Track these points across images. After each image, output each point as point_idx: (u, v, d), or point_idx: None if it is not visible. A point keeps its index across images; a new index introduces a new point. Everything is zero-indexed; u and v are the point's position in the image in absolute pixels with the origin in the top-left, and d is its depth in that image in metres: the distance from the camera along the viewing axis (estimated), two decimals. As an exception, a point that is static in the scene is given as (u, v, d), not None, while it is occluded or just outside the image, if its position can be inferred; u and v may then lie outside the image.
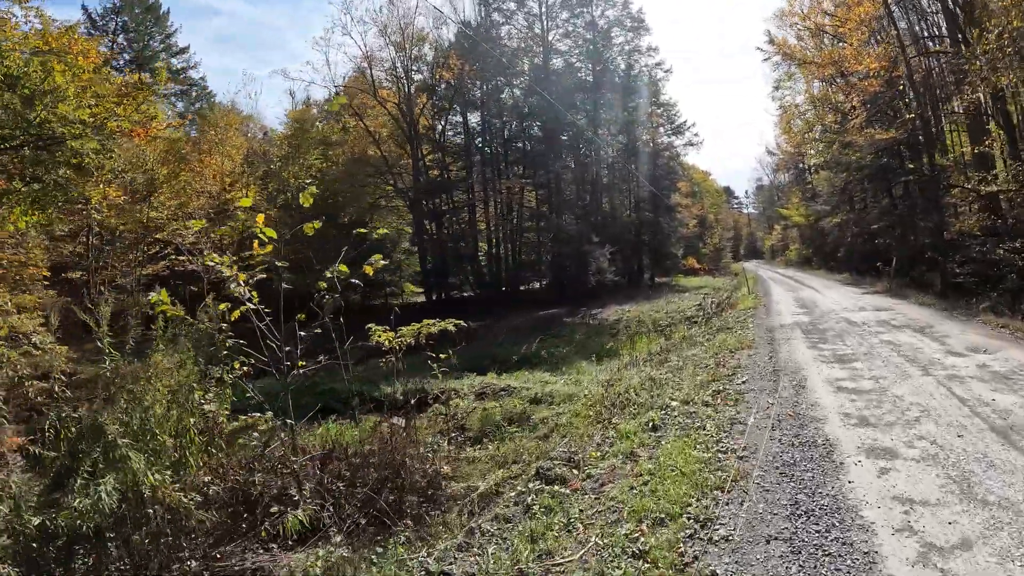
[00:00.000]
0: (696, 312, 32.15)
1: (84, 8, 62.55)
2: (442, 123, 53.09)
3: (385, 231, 50.55)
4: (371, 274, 8.31)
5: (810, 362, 13.50)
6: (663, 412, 10.26)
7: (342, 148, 51.35)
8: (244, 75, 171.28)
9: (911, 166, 33.94)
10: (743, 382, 12.09)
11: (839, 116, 42.80)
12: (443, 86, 51.82)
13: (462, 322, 10.29)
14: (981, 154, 27.76)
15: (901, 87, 33.03)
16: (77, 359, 18.48)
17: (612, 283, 49.01)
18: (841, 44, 36.44)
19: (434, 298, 50.65)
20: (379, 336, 9.54)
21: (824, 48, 40.22)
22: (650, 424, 9.64)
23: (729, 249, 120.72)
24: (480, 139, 54.73)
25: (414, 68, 50.42)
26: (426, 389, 15.32)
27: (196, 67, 66.05)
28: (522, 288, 52.57)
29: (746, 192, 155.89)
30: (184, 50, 65.31)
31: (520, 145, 54.49)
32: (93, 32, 51.05)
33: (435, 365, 10.44)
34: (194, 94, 65.40)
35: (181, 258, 33.56)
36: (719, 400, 10.78)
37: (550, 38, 52.59)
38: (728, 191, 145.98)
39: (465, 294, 54.04)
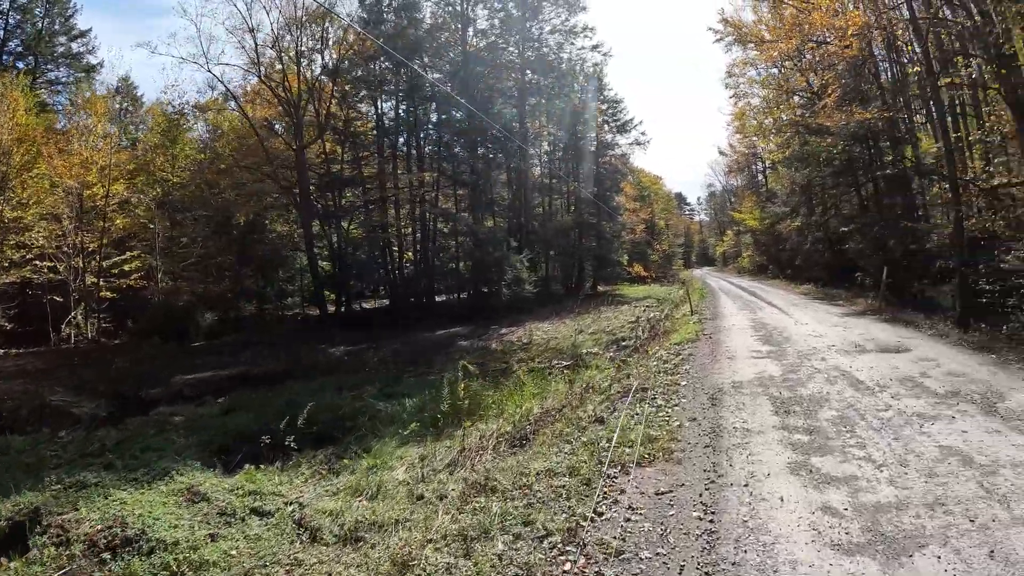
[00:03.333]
0: (630, 333, 24.66)
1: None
2: (345, 111, 43.87)
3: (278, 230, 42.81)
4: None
5: (818, 555, 5.33)
6: None
7: (231, 139, 43.18)
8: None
9: (888, 158, 29.00)
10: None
11: (802, 102, 36.89)
12: (354, 70, 42.86)
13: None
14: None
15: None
16: None
17: (533, 294, 40.67)
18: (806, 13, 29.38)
19: (333, 311, 41.73)
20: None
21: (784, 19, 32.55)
22: None
23: (680, 256, 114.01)
24: (395, 132, 45.51)
25: (315, 48, 41.47)
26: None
27: (94, 52, 56.77)
28: (438, 300, 43.94)
29: (698, 199, 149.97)
30: (84, 33, 56.53)
31: (441, 137, 45.71)
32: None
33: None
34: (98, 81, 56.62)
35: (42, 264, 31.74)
36: None
37: (471, 14, 44.08)
38: (680, 197, 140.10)
39: (367, 306, 46.01)
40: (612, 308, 37.50)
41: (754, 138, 55.39)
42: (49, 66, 49.86)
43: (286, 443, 10.93)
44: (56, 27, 53.34)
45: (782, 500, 6.17)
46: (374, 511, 7.70)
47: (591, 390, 12.85)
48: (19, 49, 48.22)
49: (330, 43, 41.51)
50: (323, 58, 41.93)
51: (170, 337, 33.62)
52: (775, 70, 38.43)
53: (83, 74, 54.82)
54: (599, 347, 23.01)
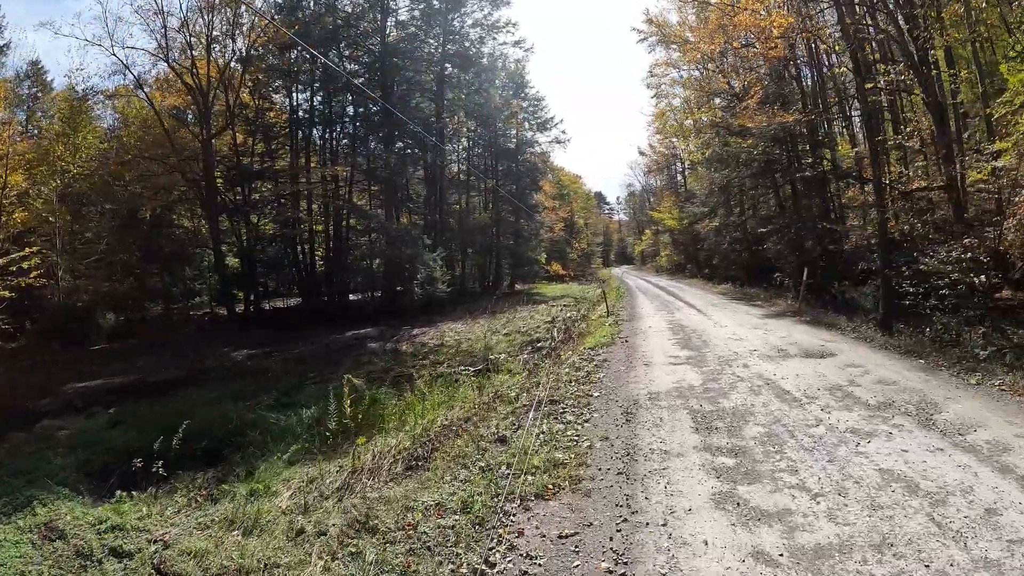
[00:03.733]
0: (545, 334, 23.78)
1: None
2: (258, 101, 41.67)
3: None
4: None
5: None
6: None
7: (136, 129, 40.57)
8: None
9: (808, 161, 28.28)
10: None
11: (723, 104, 36.38)
12: (268, 58, 40.68)
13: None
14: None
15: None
16: None
17: (446, 294, 39.39)
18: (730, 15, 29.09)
19: (242, 311, 39.61)
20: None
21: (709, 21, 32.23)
22: None
23: (599, 255, 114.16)
24: (310, 124, 43.32)
25: (227, 33, 39.00)
26: None
27: (2, 32, 53.12)
28: (352, 299, 42.16)
29: (617, 198, 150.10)
30: None
31: (356, 131, 43.92)
32: None
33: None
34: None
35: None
36: None
37: (392, 3, 42.18)
38: (600, 196, 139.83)
39: (279, 305, 43.89)
40: (528, 307, 36.61)
41: (674, 139, 55.45)
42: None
43: (154, 469, 9.42)
44: None
45: (706, 544, 5.19)
46: (244, 552, 6.42)
47: (499, 399, 11.84)
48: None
49: (244, 29, 39.15)
50: (235, 45, 39.64)
51: (70, 340, 31.61)
52: (697, 72, 38.26)
53: None
54: (513, 348, 22.13)
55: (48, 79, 51.52)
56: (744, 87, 31.68)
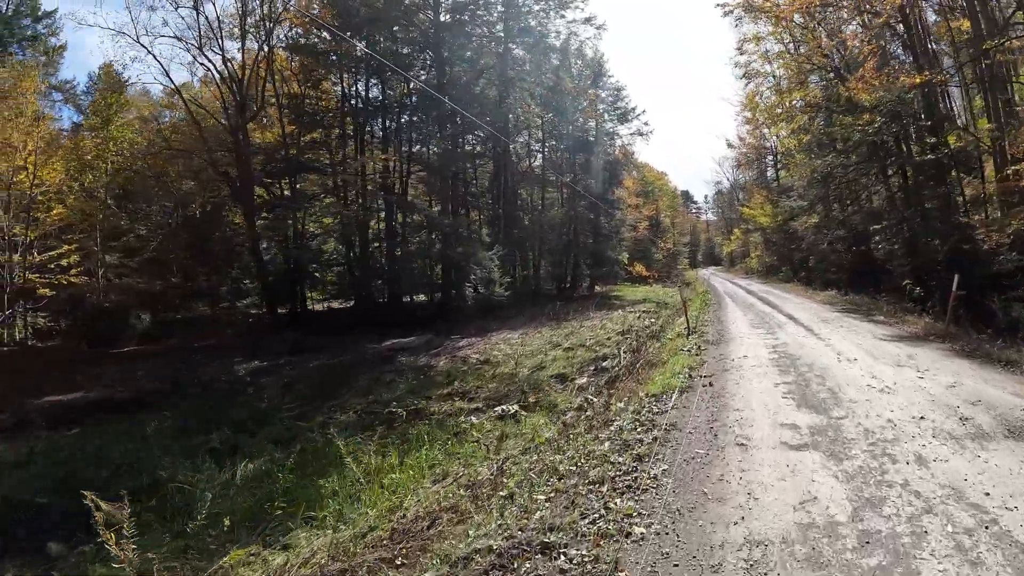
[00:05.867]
0: (615, 349, 18.57)
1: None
2: (303, 89, 37.38)
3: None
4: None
5: None
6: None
7: (176, 122, 39.17)
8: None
9: (931, 140, 23.51)
10: None
11: (822, 83, 31.71)
12: (313, 42, 36.63)
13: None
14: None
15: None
16: None
17: (503, 297, 34.56)
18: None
19: (288, 311, 35.98)
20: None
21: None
22: None
23: (686, 255, 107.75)
24: (362, 112, 38.99)
25: (269, 15, 35.00)
26: None
27: (58, 34, 51.09)
28: (406, 301, 37.80)
29: (705, 197, 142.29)
30: (49, 14, 51.42)
31: (412, 119, 39.39)
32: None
33: None
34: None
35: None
36: None
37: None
38: (686, 195, 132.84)
39: (331, 306, 40.26)
40: (602, 313, 31.62)
41: (765, 129, 50.34)
42: (15, 49, 44.48)
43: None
44: (22, 8, 48.47)
45: None
46: None
47: (505, 475, 7.17)
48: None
49: (275, 13, 35.12)
50: (275, 30, 35.80)
51: (99, 341, 29.78)
52: (791, 46, 32.70)
53: (44, 57, 50.27)
54: (570, 368, 17.26)
55: (124, 79, 49.71)
56: (845, 62, 27.07)
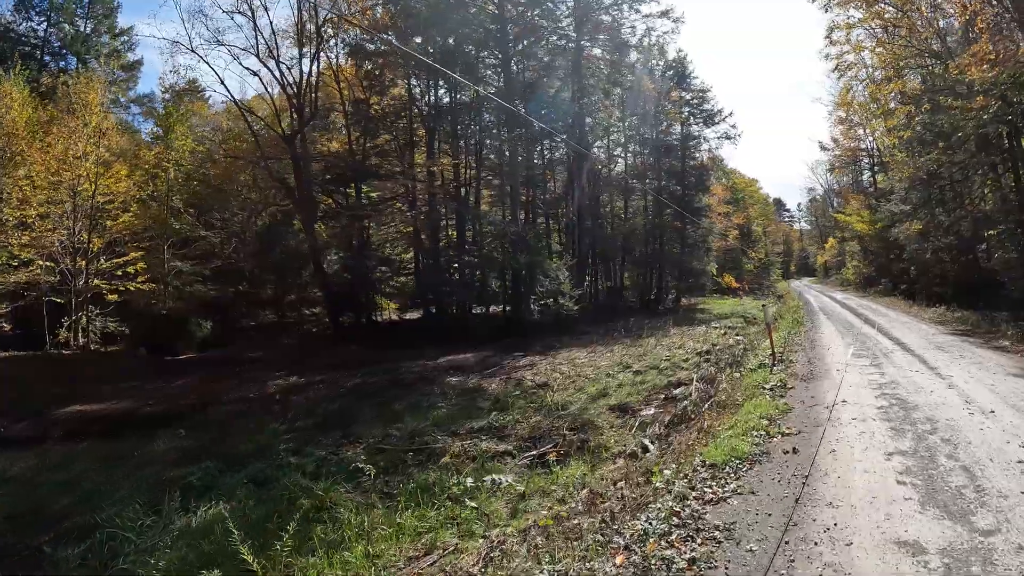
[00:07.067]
0: (692, 372, 16.18)
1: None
2: (365, 94, 35.93)
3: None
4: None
5: None
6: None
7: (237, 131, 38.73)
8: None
9: None
10: None
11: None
12: (376, 44, 35.34)
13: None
14: None
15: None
16: None
17: (573, 311, 31.78)
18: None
19: (352, 322, 34.78)
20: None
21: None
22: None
23: (779, 265, 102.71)
24: (429, 117, 37.01)
25: (329, 19, 33.92)
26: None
27: (134, 49, 53.44)
28: (477, 312, 35.99)
29: (798, 205, 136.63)
30: (126, 31, 52.72)
31: (481, 124, 37.68)
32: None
33: None
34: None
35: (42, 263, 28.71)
36: None
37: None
38: (779, 203, 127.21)
39: (403, 317, 39.09)
40: (683, 329, 28.67)
41: (860, 130, 46.90)
42: (93, 65, 45.39)
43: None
44: (100, 26, 50.73)
45: None
46: None
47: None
48: (61, 50, 46.42)
49: (352, 12, 34.00)
50: (335, 35, 35.02)
51: (158, 347, 30.17)
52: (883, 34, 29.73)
53: (122, 72, 51.25)
54: (637, 397, 14.68)
55: (206, 96, 49.95)
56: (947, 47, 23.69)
